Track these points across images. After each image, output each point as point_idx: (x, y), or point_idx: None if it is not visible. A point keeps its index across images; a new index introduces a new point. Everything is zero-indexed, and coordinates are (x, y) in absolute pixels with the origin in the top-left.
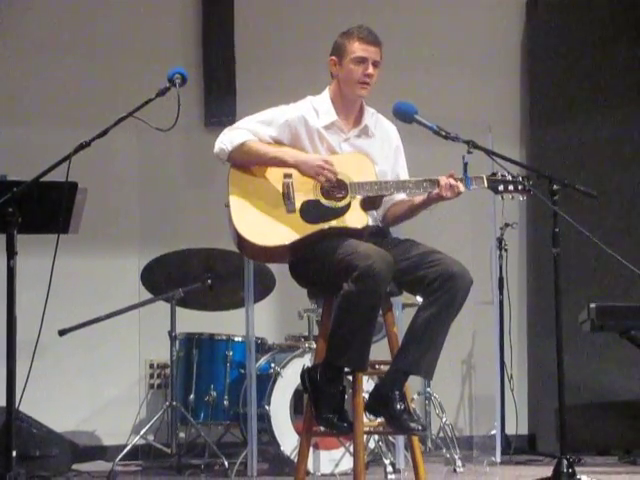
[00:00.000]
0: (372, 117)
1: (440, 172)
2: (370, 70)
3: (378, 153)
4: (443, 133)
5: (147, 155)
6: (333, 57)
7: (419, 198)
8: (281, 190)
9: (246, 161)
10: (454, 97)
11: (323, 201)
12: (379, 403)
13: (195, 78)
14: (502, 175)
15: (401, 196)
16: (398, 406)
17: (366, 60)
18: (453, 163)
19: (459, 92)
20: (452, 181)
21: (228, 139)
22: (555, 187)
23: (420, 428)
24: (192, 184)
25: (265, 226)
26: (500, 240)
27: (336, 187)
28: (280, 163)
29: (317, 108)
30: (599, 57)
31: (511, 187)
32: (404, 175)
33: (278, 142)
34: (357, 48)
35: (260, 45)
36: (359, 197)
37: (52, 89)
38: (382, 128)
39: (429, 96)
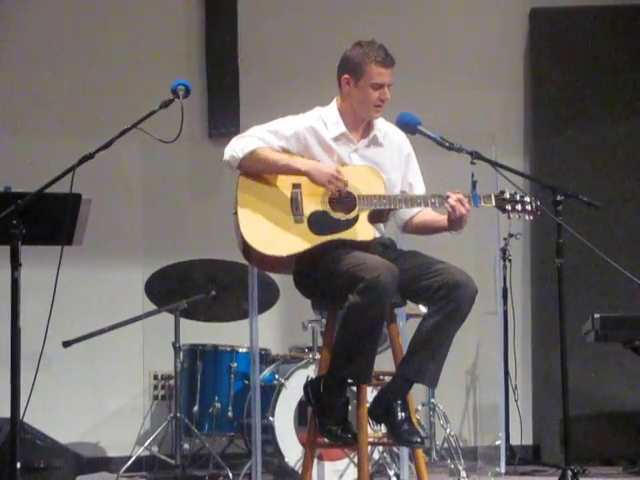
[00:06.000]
0: (381, 127)
1: (445, 183)
2: (387, 95)
3: (388, 162)
4: (447, 144)
5: (151, 167)
6: (347, 76)
7: (443, 221)
8: (289, 201)
9: (257, 169)
10: (457, 107)
11: (331, 213)
12: (381, 409)
13: (199, 90)
14: (511, 194)
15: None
16: (399, 416)
17: (384, 85)
18: (458, 173)
19: (462, 102)
20: (460, 197)
21: (239, 147)
22: (559, 198)
23: (419, 441)
24: (196, 195)
25: (272, 235)
26: (504, 251)
27: (344, 199)
28: (291, 171)
29: (325, 119)
30: (603, 66)
31: (519, 207)
32: (417, 182)
33: (287, 152)
34: (375, 73)
35: (264, 57)
36: (367, 210)
37: (56, 100)
38: (391, 137)
39: (433, 106)
